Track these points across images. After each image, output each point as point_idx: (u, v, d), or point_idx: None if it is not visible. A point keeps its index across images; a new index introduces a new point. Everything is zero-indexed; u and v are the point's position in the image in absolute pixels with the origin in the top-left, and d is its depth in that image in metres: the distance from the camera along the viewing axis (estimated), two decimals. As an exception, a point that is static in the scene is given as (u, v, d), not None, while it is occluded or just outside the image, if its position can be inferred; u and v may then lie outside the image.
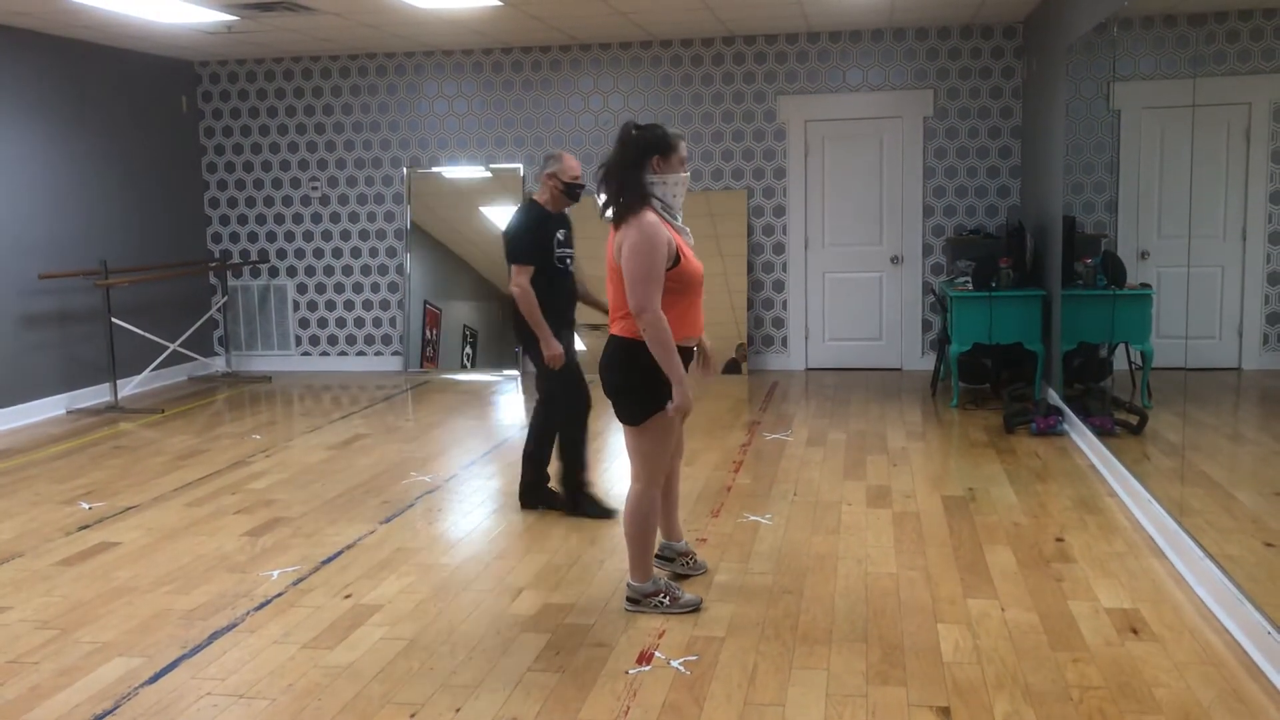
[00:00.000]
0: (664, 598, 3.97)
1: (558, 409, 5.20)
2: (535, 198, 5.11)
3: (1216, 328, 4.76)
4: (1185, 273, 4.79)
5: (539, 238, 5.01)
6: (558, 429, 5.22)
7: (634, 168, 3.75)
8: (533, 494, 5.32)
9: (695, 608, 3.97)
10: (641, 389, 3.79)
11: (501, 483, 5.84)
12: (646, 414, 3.80)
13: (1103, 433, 5.99)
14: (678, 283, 3.74)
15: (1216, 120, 4.68)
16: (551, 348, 4.98)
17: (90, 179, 8.59)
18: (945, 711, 3.16)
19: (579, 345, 5.51)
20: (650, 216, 3.70)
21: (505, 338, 9.59)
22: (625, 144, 3.78)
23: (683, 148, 3.84)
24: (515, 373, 9.50)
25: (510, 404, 8.23)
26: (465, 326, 9.67)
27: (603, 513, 5.15)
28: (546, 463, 5.29)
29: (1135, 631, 3.68)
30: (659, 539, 4.31)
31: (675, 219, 3.84)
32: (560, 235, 5.07)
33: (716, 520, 5.05)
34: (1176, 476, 4.73)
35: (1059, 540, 4.66)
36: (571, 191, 5.06)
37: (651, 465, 3.88)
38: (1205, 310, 4.78)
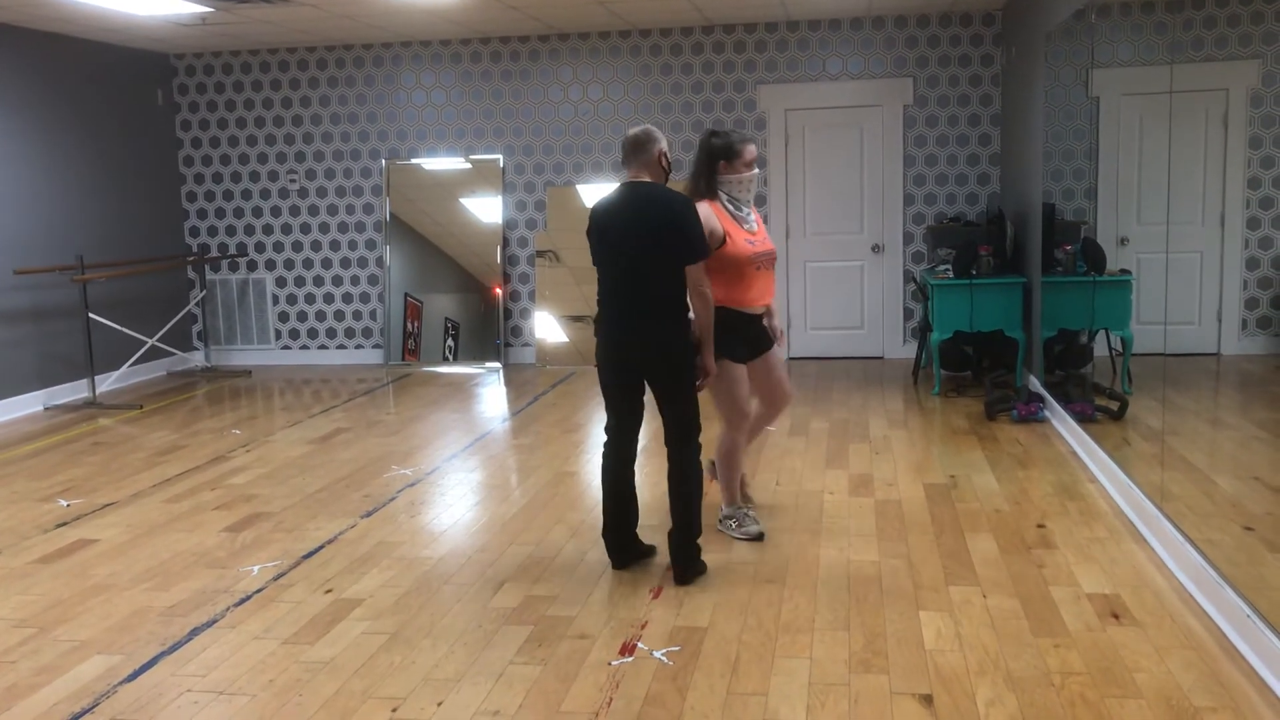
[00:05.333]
0: (734, 522, 4.66)
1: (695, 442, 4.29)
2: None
3: (1196, 313, 4.78)
4: (1164, 259, 4.80)
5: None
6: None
7: (706, 169, 4.50)
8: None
9: (757, 538, 4.60)
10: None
11: (483, 476, 5.82)
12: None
13: (1083, 419, 6.01)
14: (721, 261, 4.39)
15: (1194, 106, 4.69)
16: (711, 364, 4.25)
17: (65, 173, 8.51)
18: (928, 699, 3.16)
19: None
20: (704, 207, 4.38)
21: (487, 330, 9.57)
22: (700, 150, 4.56)
23: (749, 151, 4.48)
24: (497, 365, 9.47)
25: (492, 396, 8.20)
26: (446, 319, 9.63)
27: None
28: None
29: (1116, 616, 3.70)
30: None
31: (740, 209, 4.53)
32: None
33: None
34: (1157, 462, 4.75)
35: (1040, 526, 4.68)
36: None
37: (725, 412, 4.59)
38: (1184, 296, 4.80)
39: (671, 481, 4.21)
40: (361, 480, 5.79)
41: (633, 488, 4.33)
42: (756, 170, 4.51)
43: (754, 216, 4.60)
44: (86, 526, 5.13)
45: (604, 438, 4.33)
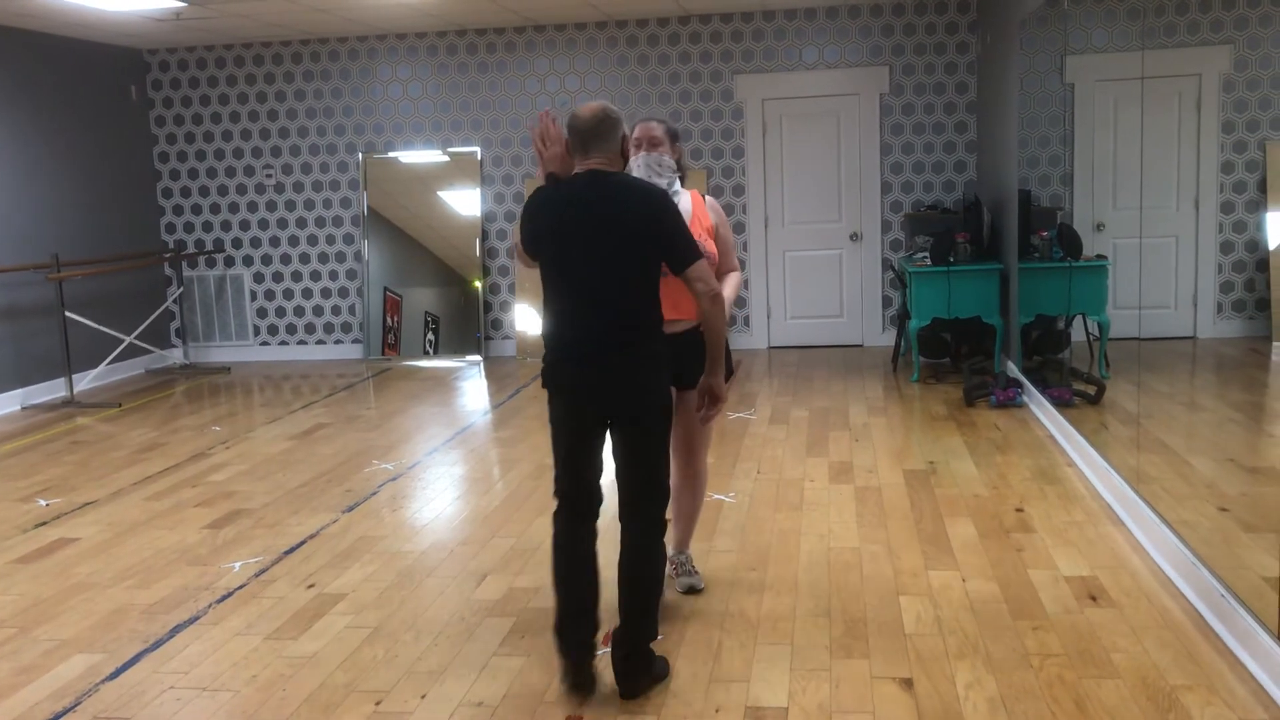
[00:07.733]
0: (673, 568, 3.94)
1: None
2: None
3: (1171, 297, 4.82)
4: (1139, 244, 4.84)
5: None
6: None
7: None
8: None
9: (689, 590, 3.96)
10: None
11: (465, 469, 5.82)
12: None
13: (1061, 404, 6.06)
14: None
15: (1168, 92, 4.73)
16: (721, 388, 3.48)
17: (39, 171, 8.44)
18: (908, 683, 3.19)
19: None
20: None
21: (467, 323, 9.55)
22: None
23: (636, 129, 3.67)
24: (478, 358, 9.46)
25: (473, 390, 8.20)
26: (426, 313, 9.61)
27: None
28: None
29: (1094, 598, 3.73)
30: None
31: None
32: None
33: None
34: (1133, 445, 4.79)
35: (1019, 511, 4.71)
36: None
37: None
38: (1160, 280, 4.84)
39: (625, 561, 3.23)
40: (343, 475, 5.78)
41: (596, 566, 3.24)
42: (647, 152, 3.64)
43: None
44: (66, 525, 5.11)
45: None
